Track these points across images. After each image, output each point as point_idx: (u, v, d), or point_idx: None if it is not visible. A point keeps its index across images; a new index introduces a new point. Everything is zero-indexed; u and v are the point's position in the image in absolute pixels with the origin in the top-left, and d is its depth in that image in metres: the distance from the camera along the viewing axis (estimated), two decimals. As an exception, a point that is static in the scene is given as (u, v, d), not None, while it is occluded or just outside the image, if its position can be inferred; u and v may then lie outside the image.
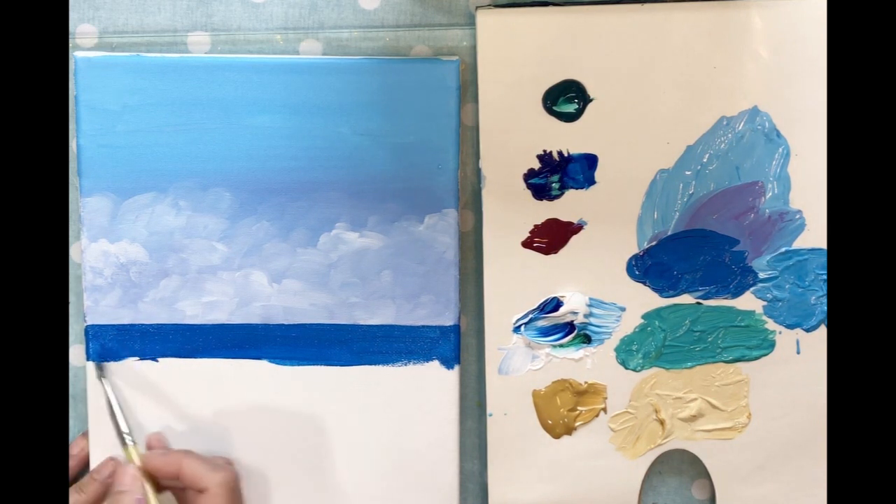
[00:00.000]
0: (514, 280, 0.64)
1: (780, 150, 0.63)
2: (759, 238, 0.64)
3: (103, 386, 0.64)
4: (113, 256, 0.64)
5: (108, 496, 0.61)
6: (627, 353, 0.65)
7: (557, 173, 0.64)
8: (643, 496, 0.67)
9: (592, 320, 0.65)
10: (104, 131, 0.64)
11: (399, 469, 0.65)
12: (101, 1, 0.65)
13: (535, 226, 0.64)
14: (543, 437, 0.66)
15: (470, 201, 0.65)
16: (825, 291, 0.64)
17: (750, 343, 0.65)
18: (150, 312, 0.65)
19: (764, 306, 0.64)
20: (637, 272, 0.64)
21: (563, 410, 0.65)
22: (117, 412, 0.63)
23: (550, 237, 0.64)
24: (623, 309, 0.65)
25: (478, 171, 0.64)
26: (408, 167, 0.64)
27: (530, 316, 0.64)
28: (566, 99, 0.63)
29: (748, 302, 0.64)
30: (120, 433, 0.63)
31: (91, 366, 0.65)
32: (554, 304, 0.64)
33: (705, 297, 0.65)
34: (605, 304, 0.65)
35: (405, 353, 0.65)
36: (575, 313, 0.64)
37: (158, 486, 0.61)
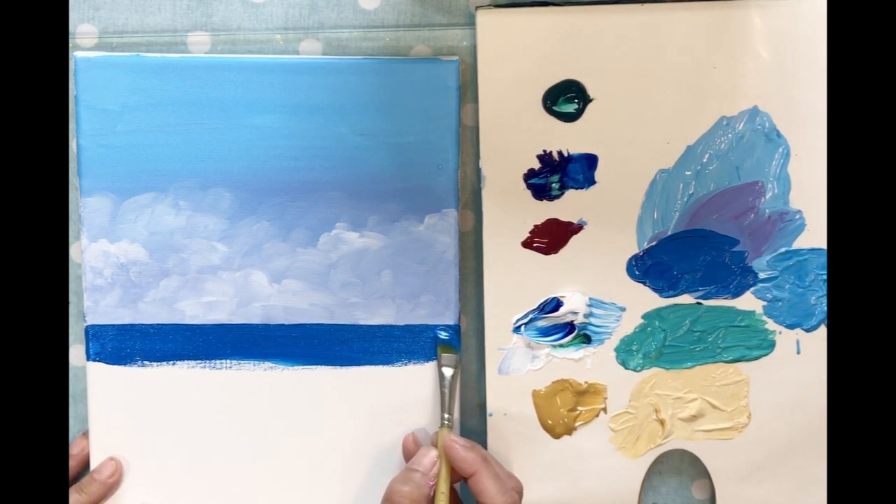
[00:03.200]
0: (514, 280, 0.64)
1: (780, 150, 0.63)
2: (759, 238, 0.64)
3: (440, 368, 0.64)
4: (113, 256, 0.64)
5: (404, 470, 0.60)
6: (627, 353, 0.65)
7: (557, 173, 0.64)
8: (643, 496, 0.67)
9: (592, 320, 0.65)
10: (104, 131, 0.64)
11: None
12: (101, 1, 0.65)
13: (535, 226, 0.64)
14: (543, 437, 0.66)
15: (470, 201, 0.65)
16: (825, 291, 0.64)
17: (750, 343, 0.65)
18: (151, 312, 0.65)
19: (764, 306, 0.64)
20: (637, 272, 0.64)
21: (563, 410, 0.65)
22: (447, 396, 0.63)
23: (550, 237, 0.64)
24: (623, 309, 0.65)
25: (478, 171, 0.64)
26: (408, 167, 0.64)
27: (530, 316, 0.64)
28: (566, 99, 0.63)
29: (748, 302, 0.64)
30: (443, 413, 0.63)
31: (92, 366, 0.64)
32: (554, 304, 0.64)
33: (705, 297, 0.65)
34: (605, 304, 0.65)
35: (405, 353, 0.65)
36: (575, 313, 0.64)
37: (450, 479, 0.61)
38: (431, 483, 0.60)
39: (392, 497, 0.59)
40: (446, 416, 0.63)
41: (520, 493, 0.61)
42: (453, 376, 0.64)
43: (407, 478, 0.60)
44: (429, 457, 0.61)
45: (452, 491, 0.62)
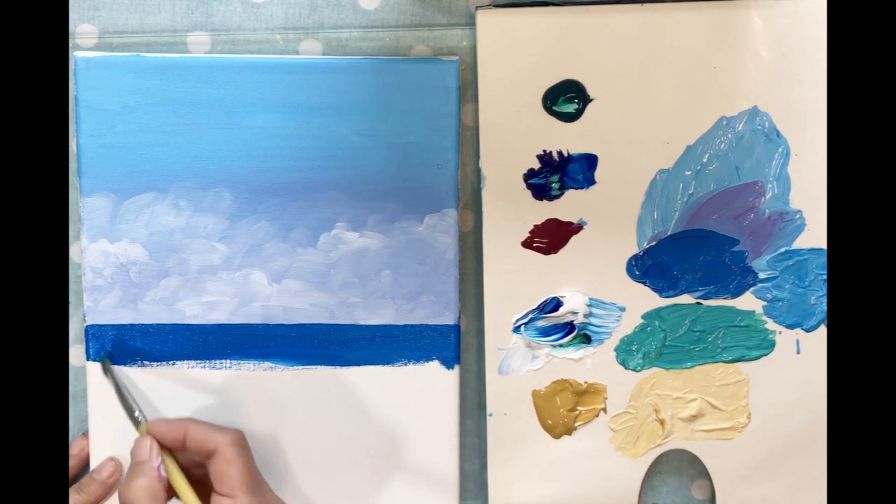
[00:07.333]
0: (514, 280, 0.64)
1: (780, 150, 0.63)
2: (759, 238, 0.64)
3: (111, 377, 0.63)
4: (113, 256, 0.64)
5: (129, 472, 0.59)
6: (627, 353, 0.65)
7: (557, 173, 0.64)
8: (643, 496, 0.67)
9: (592, 320, 0.65)
10: (104, 131, 0.64)
11: (399, 469, 0.65)
12: (101, 1, 0.65)
13: (535, 226, 0.64)
14: (543, 437, 0.66)
15: (470, 201, 0.65)
16: (825, 291, 0.64)
17: (750, 343, 0.65)
18: (150, 312, 0.65)
19: (764, 306, 0.64)
20: (637, 272, 0.64)
21: (563, 410, 0.65)
22: (128, 396, 0.62)
23: (550, 237, 0.64)
24: (623, 309, 0.65)
25: (478, 171, 0.64)
26: (408, 167, 0.64)
27: (530, 316, 0.64)
28: (566, 99, 0.63)
29: (748, 302, 0.64)
30: (132, 415, 0.62)
31: (92, 366, 0.65)
32: (554, 304, 0.64)
33: (705, 297, 0.65)
34: (605, 304, 0.65)
35: (405, 353, 0.65)
36: (575, 313, 0.64)
37: (172, 456, 0.60)
38: (157, 465, 0.58)
39: (128, 495, 0.57)
40: (137, 413, 0.61)
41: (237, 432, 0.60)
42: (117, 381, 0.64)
43: (136, 472, 0.58)
44: (143, 445, 0.59)
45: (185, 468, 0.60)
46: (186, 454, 0.60)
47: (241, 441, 0.60)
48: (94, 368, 0.65)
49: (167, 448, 0.60)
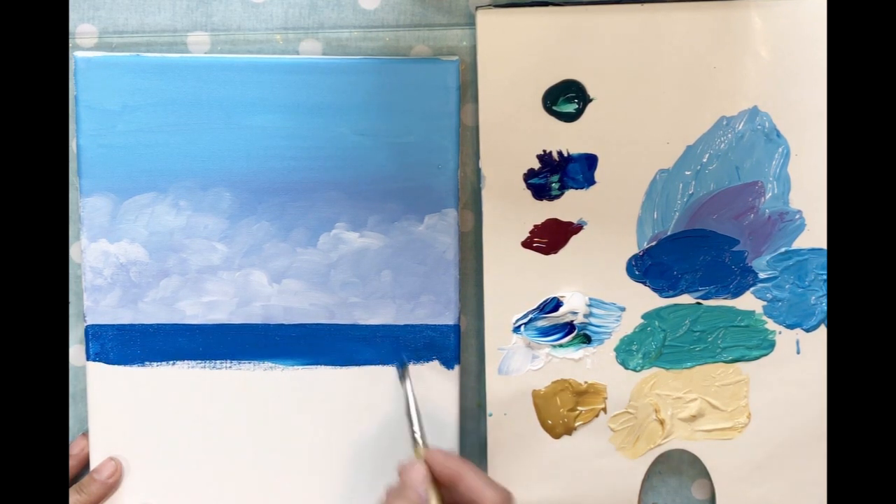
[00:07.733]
0: (514, 280, 0.64)
1: (780, 150, 0.63)
2: (759, 238, 0.64)
3: (405, 387, 0.62)
4: (113, 256, 0.64)
5: (394, 490, 0.58)
6: (627, 353, 0.65)
7: (557, 173, 0.64)
8: (643, 496, 0.67)
9: (592, 320, 0.65)
10: (104, 131, 0.64)
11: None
12: (101, 1, 0.65)
13: (535, 226, 0.64)
14: (543, 437, 0.66)
15: (470, 201, 0.65)
16: (825, 291, 0.64)
17: (750, 343, 0.65)
18: (150, 312, 0.65)
19: (764, 306, 0.64)
20: (637, 272, 0.64)
21: (563, 410, 0.65)
22: (414, 414, 0.61)
23: (550, 237, 0.64)
24: (623, 309, 0.65)
25: (478, 171, 0.64)
26: (408, 167, 0.64)
27: (530, 316, 0.64)
28: (566, 99, 0.63)
29: (748, 302, 0.64)
30: (413, 433, 0.60)
31: (92, 366, 0.64)
32: (554, 304, 0.64)
33: (705, 297, 0.65)
34: (605, 304, 0.65)
35: (405, 353, 0.65)
36: (575, 313, 0.64)
37: (439, 492, 0.58)
38: (423, 495, 0.57)
39: None
40: (418, 434, 0.60)
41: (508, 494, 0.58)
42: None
43: (401, 494, 0.57)
44: (418, 471, 0.58)
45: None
46: (450, 494, 0.58)
47: None
48: (94, 368, 0.65)
49: (437, 481, 0.58)
